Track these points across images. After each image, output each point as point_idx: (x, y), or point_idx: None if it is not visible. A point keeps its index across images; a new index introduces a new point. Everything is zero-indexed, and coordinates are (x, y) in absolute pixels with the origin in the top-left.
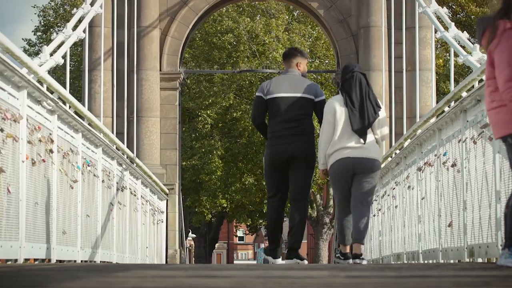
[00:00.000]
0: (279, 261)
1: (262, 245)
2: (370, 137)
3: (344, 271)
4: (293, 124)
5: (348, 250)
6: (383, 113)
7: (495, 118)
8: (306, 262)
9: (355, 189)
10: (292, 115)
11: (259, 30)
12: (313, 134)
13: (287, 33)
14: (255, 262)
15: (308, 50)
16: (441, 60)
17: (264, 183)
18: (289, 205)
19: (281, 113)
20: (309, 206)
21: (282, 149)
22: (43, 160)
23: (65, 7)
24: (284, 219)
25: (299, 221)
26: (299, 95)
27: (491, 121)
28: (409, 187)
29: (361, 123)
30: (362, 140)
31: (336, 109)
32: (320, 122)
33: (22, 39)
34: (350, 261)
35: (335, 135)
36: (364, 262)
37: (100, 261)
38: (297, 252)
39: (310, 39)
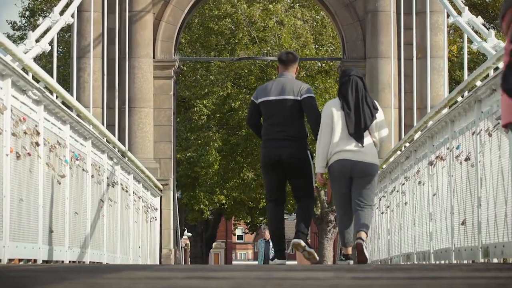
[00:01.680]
0: (285, 262)
1: (263, 239)
2: (367, 140)
3: (350, 272)
4: (281, 128)
5: (350, 251)
6: (381, 116)
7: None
8: (313, 251)
9: (354, 194)
10: (280, 119)
11: (257, 16)
12: (304, 137)
13: (292, 17)
14: (255, 262)
15: (312, 36)
16: (455, 47)
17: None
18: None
19: (270, 117)
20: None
21: (271, 152)
22: (29, 154)
23: None
24: (286, 217)
25: (306, 213)
26: (285, 97)
27: (504, 103)
28: (419, 182)
29: (357, 126)
30: (359, 144)
31: (333, 113)
32: (309, 120)
33: (6, 21)
34: (351, 262)
35: (333, 139)
36: (364, 244)
37: (90, 262)
38: (301, 235)
39: (315, 24)
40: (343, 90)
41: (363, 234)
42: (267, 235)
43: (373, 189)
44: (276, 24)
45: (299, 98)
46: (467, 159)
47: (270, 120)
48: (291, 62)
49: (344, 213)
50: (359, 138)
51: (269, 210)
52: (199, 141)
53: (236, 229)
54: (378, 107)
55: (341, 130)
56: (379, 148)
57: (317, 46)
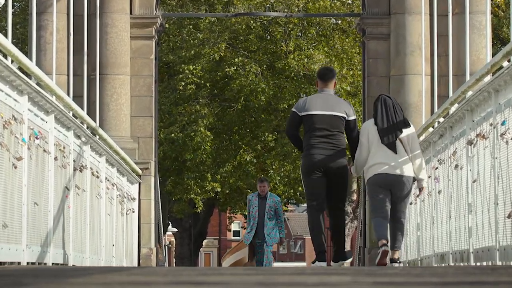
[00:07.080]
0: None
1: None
2: (401, 151)
3: (370, 276)
4: (326, 139)
5: (384, 242)
6: (412, 129)
7: None
8: (349, 260)
9: (394, 208)
10: (325, 132)
11: None
12: (345, 148)
13: None
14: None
15: None
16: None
17: (267, 162)
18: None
19: (315, 129)
20: None
21: (315, 159)
22: None
23: None
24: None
25: (340, 228)
26: (332, 113)
27: None
28: (456, 166)
29: (389, 135)
30: (393, 152)
31: (369, 130)
32: (349, 140)
33: None
34: (385, 247)
35: (370, 152)
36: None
37: (52, 263)
38: (341, 254)
39: None
40: (375, 109)
41: (397, 254)
42: (264, 189)
43: (408, 199)
44: None
45: (346, 116)
46: None
47: (314, 133)
48: (330, 78)
49: (379, 215)
50: (392, 147)
51: (310, 216)
52: (186, 117)
53: (232, 224)
54: (409, 122)
55: (376, 143)
56: (415, 165)
57: None
